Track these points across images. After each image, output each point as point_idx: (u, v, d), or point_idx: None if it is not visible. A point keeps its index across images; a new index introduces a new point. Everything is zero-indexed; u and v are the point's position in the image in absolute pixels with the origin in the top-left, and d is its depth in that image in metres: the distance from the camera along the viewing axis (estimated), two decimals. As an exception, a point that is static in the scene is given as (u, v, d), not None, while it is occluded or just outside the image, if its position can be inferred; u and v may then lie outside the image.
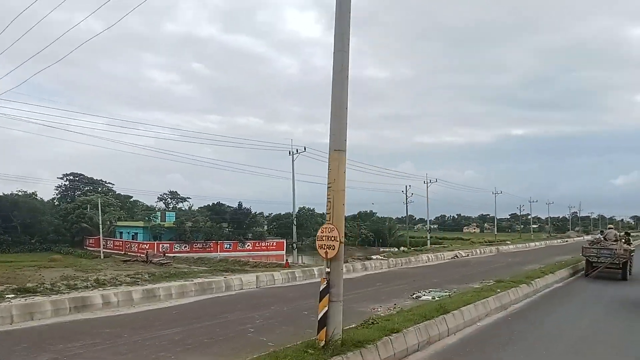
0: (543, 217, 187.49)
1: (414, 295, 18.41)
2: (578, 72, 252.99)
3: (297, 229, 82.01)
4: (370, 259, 37.30)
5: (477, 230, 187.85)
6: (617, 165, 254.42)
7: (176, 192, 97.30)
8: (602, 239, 26.47)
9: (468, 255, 42.71)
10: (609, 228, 29.09)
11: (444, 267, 32.30)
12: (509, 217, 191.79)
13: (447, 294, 18.26)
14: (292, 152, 47.42)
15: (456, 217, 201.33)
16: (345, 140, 8.52)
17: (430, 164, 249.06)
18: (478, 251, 46.41)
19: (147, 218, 68.20)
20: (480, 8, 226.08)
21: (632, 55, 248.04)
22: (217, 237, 67.62)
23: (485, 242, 74.12)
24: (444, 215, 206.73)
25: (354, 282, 22.76)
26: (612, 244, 24.93)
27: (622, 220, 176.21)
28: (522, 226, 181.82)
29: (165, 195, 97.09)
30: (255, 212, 74.13)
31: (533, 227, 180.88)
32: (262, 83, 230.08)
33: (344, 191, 8.55)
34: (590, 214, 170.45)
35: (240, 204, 71.41)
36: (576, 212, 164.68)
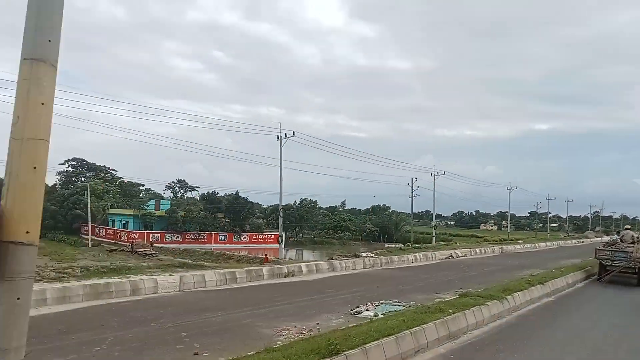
0: (564, 216, 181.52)
1: (354, 310, 14.29)
2: (604, 66, 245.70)
3: (299, 222, 78.37)
4: (359, 256, 33.27)
5: (495, 227, 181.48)
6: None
7: (184, 180, 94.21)
8: (618, 240, 24.51)
9: (465, 255, 38.23)
10: (626, 229, 26.72)
11: (428, 269, 27.98)
12: (528, 214, 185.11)
13: (402, 308, 14.21)
14: (280, 137, 43.36)
15: (474, 213, 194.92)
16: (57, 45, 3.91)
17: (451, 158, 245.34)
18: (479, 251, 41.81)
19: (141, 206, 65.04)
20: (504, 0, 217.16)
21: None
22: (212, 228, 64.09)
23: (497, 240, 69.30)
24: (462, 212, 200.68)
25: (298, 288, 18.76)
26: (629, 247, 22.82)
27: None
28: (540, 225, 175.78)
29: (173, 184, 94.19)
30: (252, 203, 70.04)
31: (552, 226, 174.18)
32: (283, 73, 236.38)
33: (47, 143, 3.83)
34: (612, 214, 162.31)
35: (237, 193, 67.53)
36: (598, 212, 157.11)
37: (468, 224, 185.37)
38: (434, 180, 71.92)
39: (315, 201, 78.55)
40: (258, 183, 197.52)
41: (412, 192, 71.22)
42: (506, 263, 32.68)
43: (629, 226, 30.91)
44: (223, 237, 64.65)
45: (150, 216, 62.34)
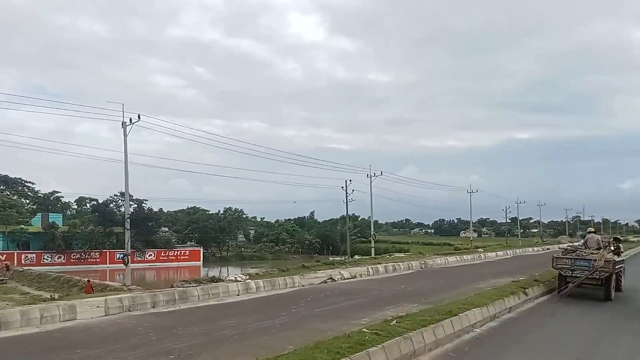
0: (545, 221, 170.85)
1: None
2: (582, 76, 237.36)
3: (220, 233, 66.02)
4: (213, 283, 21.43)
5: (475, 235, 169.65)
6: (623, 169, 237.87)
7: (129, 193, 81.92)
8: (583, 246, 20.23)
9: (358, 276, 26.20)
10: (590, 232, 21.51)
11: (283, 298, 16.19)
12: (509, 221, 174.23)
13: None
14: (125, 123, 31.64)
15: (455, 221, 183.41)
16: None
17: (434, 168, 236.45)
18: (391, 267, 29.98)
19: (22, 223, 52.99)
20: (483, 13, 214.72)
21: (637, 58, 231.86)
22: (109, 245, 52.21)
23: (462, 249, 57.98)
24: (443, 220, 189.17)
25: None
26: (592, 253, 18.88)
27: (627, 224, 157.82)
28: (521, 230, 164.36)
29: (116, 197, 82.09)
30: (158, 213, 57.69)
31: (533, 232, 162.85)
32: (265, 87, 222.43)
33: None
34: (591, 217, 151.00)
35: (140, 203, 55.36)
36: (579, 216, 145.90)
37: (448, 232, 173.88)
38: (370, 182, 60.77)
39: (241, 210, 66.20)
40: (248, 197, 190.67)
41: (346, 197, 59.56)
42: (393, 289, 20.76)
43: (592, 229, 23.50)
44: (121, 256, 52.84)
45: (21, 233, 50.15)
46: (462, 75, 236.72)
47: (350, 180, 60.36)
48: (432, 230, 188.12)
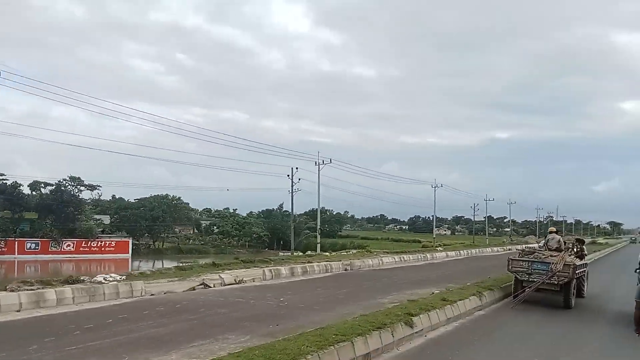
0: (519, 221, 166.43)
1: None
2: (563, 78, 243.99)
3: (155, 222, 58.54)
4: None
5: (449, 232, 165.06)
6: (599, 171, 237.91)
7: (79, 178, 74.68)
8: (543, 247, 18.39)
9: (250, 280, 19.98)
10: (551, 232, 19.03)
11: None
12: (483, 219, 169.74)
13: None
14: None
15: (429, 218, 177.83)
16: None
17: (416, 165, 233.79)
18: (331, 267, 24.04)
19: None
20: (468, 12, 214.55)
21: (618, 63, 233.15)
22: (16, 234, 45.39)
23: (426, 246, 52.18)
24: (418, 216, 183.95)
25: None
26: (551, 255, 16.59)
27: (599, 225, 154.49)
28: (494, 229, 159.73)
29: (65, 182, 74.50)
30: (80, 199, 50.78)
31: (506, 231, 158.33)
32: (248, 77, 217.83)
33: None
34: (563, 217, 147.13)
35: (59, 185, 48.42)
36: (551, 216, 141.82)
37: (422, 229, 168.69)
38: (319, 171, 53.42)
39: (179, 197, 59.07)
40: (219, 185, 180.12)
41: (292, 186, 53.00)
42: (260, 304, 14.55)
43: (553, 229, 20.45)
44: (33, 245, 46.15)
45: None
46: (446, 73, 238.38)
47: (297, 168, 53.53)
48: (407, 227, 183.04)
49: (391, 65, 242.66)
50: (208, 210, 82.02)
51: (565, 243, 18.45)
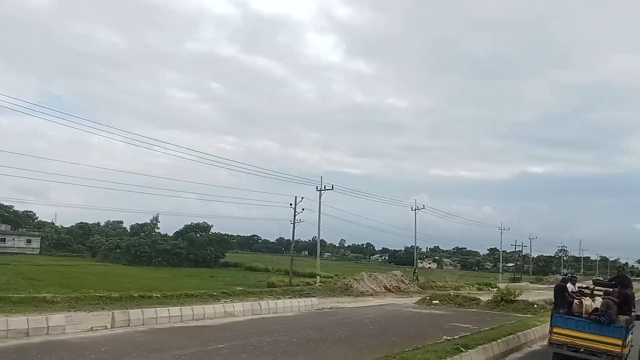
0: (534, 255, 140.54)
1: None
2: (600, 111, 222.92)
3: None
4: None
5: (434, 265, 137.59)
6: (636, 208, 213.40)
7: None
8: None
9: None
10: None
11: None
12: (487, 251, 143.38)
13: None
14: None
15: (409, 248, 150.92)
16: None
17: (446, 198, 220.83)
18: None
19: None
20: (502, 41, 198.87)
21: None
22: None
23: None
24: (403, 248, 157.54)
25: None
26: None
27: (627, 263, 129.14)
28: (491, 265, 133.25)
29: None
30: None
31: (509, 266, 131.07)
32: (279, 107, 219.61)
33: None
34: (582, 253, 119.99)
35: None
36: (565, 248, 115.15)
37: (402, 261, 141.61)
38: (320, 197, 44.93)
39: None
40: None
41: (294, 216, 42.28)
42: None
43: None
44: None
45: None
46: (478, 104, 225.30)
47: (302, 198, 44.44)
48: (386, 257, 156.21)
49: (422, 94, 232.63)
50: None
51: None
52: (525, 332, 15.52)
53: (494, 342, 12.70)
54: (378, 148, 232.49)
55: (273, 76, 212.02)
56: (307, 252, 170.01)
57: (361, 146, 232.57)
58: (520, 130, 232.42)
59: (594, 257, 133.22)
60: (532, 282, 69.19)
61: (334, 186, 45.95)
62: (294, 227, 46.23)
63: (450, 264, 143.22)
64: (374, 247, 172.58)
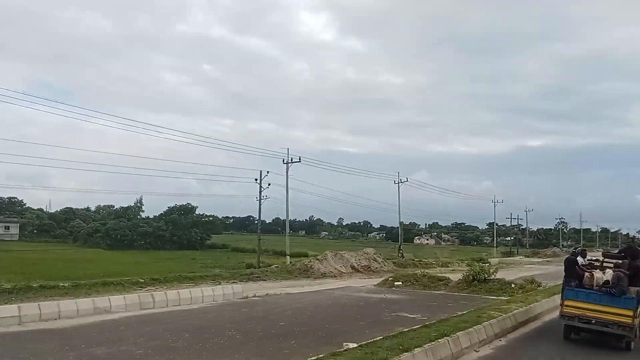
0: (534, 228, 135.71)
1: None
2: (599, 83, 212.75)
3: None
4: None
5: (432, 242, 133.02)
6: (636, 179, 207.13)
7: None
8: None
9: None
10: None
11: None
12: (487, 226, 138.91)
13: None
14: None
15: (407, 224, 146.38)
16: None
17: (445, 174, 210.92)
18: None
19: None
20: (497, 15, 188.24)
21: None
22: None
23: None
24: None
25: None
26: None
27: (628, 234, 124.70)
28: (491, 238, 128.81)
29: None
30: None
31: (507, 240, 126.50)
32: (274, 87, 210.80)
33: None
34: (582, 224, 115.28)
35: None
36: (564, 221, 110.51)
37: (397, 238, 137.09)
38: (287, 170, 40.50)
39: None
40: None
41: (260, 192, 37.63)
42: None
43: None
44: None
45: None
46: (474, 78, 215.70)
47: (267, 172, 40.73)
48: (383, 234, 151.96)
49: (417, 71, 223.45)
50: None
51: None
52: (470, 330, 11.01)
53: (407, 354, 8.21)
54: (374, 125, 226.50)
55: (266, 57, 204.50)
56: (304, 232, 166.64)
57: (357, 124, 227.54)
58: (517, 104, 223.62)
59: (594, 228, 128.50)
60: (528, 256, 64.76)
61: (300, 158, 41.56)
62: (260, 204, 42.02)
63: (449, 240, 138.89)
64: (371, 224, 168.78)
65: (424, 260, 52.55)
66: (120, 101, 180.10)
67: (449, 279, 23.10)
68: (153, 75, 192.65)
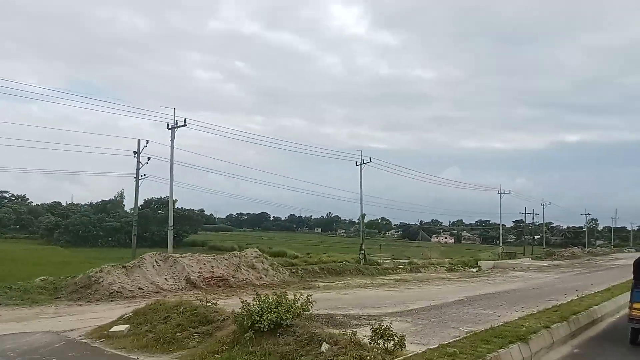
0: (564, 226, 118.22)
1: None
2: (638, 74, 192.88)
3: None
4: None
5: (450, 240, 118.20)
6: None
7: None
8: None
9: None
10: None
11: None
12: (513, 223, 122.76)
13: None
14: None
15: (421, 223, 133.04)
16: None
17: (478, 170, 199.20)
18: None
19: None
20: (533, 4, 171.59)
21: None
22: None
23: None
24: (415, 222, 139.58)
25: None
26: None
27: None
28: (515, 237, 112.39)
29: None
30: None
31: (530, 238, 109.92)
32: (305, 83, 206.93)
33: None
34: (615, 222, 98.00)
35: None
36: (595, 220, 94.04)
37: (416, 235, 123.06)
38: (172, 134, 27.81)
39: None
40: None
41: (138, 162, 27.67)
42: None
43: None
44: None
45: None
46: (509, 71, 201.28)
47: (147, 142, 29.35)
48: (400, 231, 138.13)
49: (451, 64, 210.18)
50: None
51: None
52: None
53: None
54: (406, 121, 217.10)
55: (298, 52, 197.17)
56: (320, 229, 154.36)
57: (388, 120, 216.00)
58: (553, 98, 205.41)
59: (628, 227, 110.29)
60: (540, 258, 50.00)
61: (186, 120, 29.26)
62: (137, 184, 30.08)
63: (469, 238, 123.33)
64: (390, 222, 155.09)
65: (397, 261, 39.89)
66: (154, 99, 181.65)
67: (226, 318, 10.30)
68: (187, 73, 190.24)
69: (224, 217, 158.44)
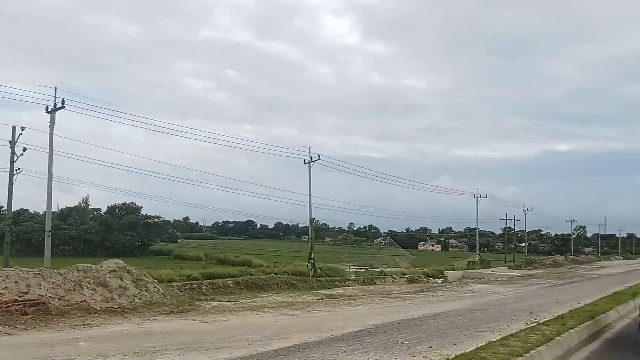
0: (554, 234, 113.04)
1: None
2: (630, 85, 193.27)
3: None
4: None
5: (437, 248, 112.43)
6: None
7: None
8: None
9: None
10: None
11: None
12: (501, 231, 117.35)
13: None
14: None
15: (411, 230, 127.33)
16: None
17: (469, 179, 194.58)
18: None
19: None
20: (526, 16, 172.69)
21: None
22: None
23: None
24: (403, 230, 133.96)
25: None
26: None
27: None
28: (501, 245, 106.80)
29: None
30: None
31: (521, 246, 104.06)
32: (297, 92, 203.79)
33: None
34: (599, 227, 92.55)
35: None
36: (583, 227, 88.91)
37: (403, 243, 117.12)
38: (52, 118, 21.80)
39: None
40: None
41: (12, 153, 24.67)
42: None
43: None
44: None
45: None
46: (501, 82, 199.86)
47: (23, 129, 23.60)
48: (386, 240, 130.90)
49: (443, 75, 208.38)
50: None
51: None
52: None
53: None
54: (398, 130, 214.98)
55: (290, 61, 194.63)
56: (307, 237, 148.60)
57: (381, 129, 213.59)
58: (546, 108, 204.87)
59: (617, 234, 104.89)
60: (518, 267, 44.26)
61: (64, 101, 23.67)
62: (10, 179, 24.30)
63: (456, 246, 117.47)
64: (377, 229, 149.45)
65: (357, 272, 34.68)
66: (145, 106, 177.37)
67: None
68: (178, 81, 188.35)
69: (211, 225, 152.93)
